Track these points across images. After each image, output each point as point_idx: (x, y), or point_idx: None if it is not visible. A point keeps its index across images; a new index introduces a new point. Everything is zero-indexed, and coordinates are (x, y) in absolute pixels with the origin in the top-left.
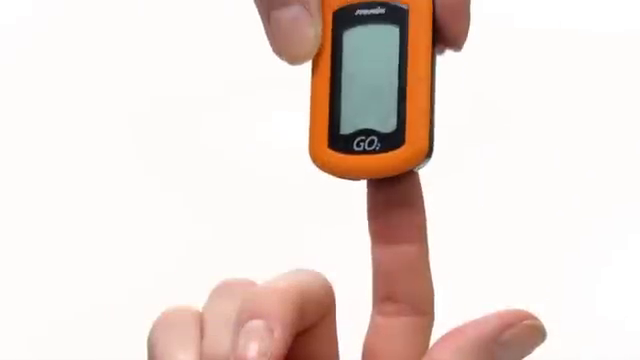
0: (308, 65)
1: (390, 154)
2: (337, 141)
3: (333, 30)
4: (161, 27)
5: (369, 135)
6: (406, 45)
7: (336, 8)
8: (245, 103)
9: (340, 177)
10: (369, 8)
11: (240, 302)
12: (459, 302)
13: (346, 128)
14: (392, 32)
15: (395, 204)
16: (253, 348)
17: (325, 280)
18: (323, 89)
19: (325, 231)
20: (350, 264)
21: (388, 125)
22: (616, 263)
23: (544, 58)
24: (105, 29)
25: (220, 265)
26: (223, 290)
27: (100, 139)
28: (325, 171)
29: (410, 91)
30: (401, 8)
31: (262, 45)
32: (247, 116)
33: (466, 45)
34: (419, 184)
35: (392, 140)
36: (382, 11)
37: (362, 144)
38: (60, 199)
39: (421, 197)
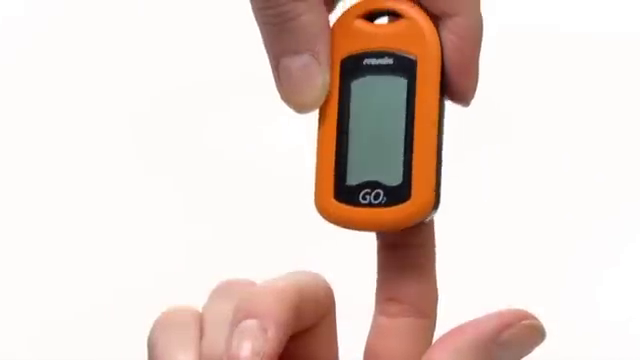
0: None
1: (396, 208)
2: (343, 192)
3: (341, 79)
4: (165, 26)
5: (375, 188)
6: (414, 97)
7: (344, 56)
8: (250, 105)
9: (346, 228)
10: (377, 58)
11: (237, 301)
12: (460, 303)
13: (352, 179)
14: (400, 83)
15: (406, 260)
16: (246, 347)
17: (324, 281)
18: (330, 138)
19: (327, 233)
20: (352, 265)
21: (394, 178)
22: (618, 265)
23: (547, 60)
24: (107, 28)
25: (221, 265)
26: (223, 290)
27: (102, 139)
28: (331, 222)
29: (417, 144)
30: (409, 59)
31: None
32: (252, 118)
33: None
34: (431, 232)
35: (398, 194)
36: (390, 61)
37: (368, 197)
38: (60, 199)
39: (432, 244)
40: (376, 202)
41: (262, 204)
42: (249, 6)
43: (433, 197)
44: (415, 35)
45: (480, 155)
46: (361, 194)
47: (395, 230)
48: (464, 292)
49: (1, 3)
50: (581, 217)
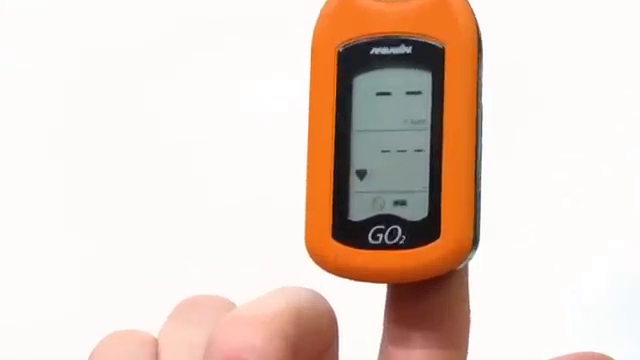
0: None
1: (420, 251)
2: (345, 230)
3: (339, 74)
4: None
5: (390, 224)
6: (441, 99)
7: (342, 44)
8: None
9: (350, 279)
10: (389, 46)
11: (210, 332)
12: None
13: (358, 213)
14: (422, 80)
15: (427, 316)
16: None
17: (325, 303)
18: (325, 156)
19: None
20: None
21: (417, 210)
22: None
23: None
24: None
25: (187, 265)
26: (187, 311)
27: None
28: (328, 270)
29: (447, 162)
30: (435, 47)
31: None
32: (230, 85)
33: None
34: (464, 284)
35: (423, 231)
36: (408, 50)
37: (380, 236)
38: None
39: (465, 292)
40: (392, 243)
41: (236, 189)
42: None
43: (471, 234)
44: (443, 15)
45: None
46: (371, 232)
47: (418, 281)
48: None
49: None
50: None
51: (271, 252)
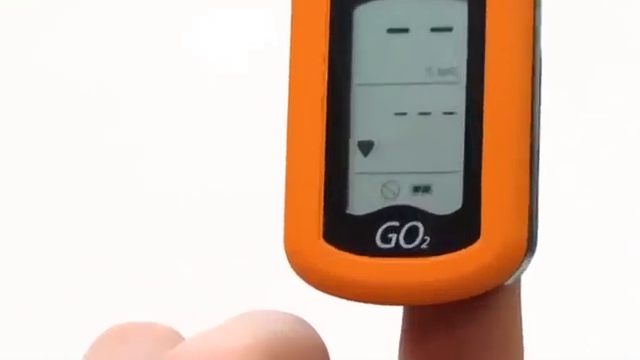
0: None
1: (451, 259)
2: (342, 229)
3: (333, 3)
4: None
5: (407, 219)
6: (482, 38)
7: None
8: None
9: (349, 299)
10: None
11: None
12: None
13: (360, 204)
14: (453, 11)
15: (462, 349)
16: None
17: (310, 331)
18: (312, 122)
19: None
20: None
21: (446, 200)
22: None
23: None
24: None
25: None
26: (112, 344)
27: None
28: (317, 286)
29: (491, 132)
30: None
31: None
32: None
33: None
34: (515, 305)
35: (455, 231)
36: None
37: (393, 237)
38: None
39: (518, 327)
40: (410, 247)
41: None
42: None
43: (525, 233)
44: None
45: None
46: (379, 232)
47: (449, 303)
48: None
49: None
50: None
51: (228, 251)
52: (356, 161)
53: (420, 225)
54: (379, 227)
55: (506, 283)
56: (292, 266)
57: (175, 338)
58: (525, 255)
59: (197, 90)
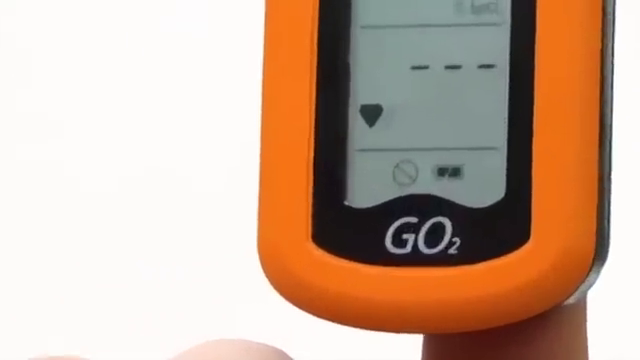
0: None
1: (490, 267)
2: (338, 226)
3: None
4: None
5: (429, 214)
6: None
7: None
8: None
9: (349, 325)
10: None
11: None
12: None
13: (364, 193)
14: None
15: None
16: None
17: None
18: (298, 80)
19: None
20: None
21: (483, 188)
22: None
23: None
24: None
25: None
26: None
27: None
28: (302, 306)
29: (543, 93)
30: None
31: None
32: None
33: None
34: (580, 328)
35: (495, 229)
36: None
37: (410, 238)
38: None
39: (584, 352)
40: (433, 252)
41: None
42: None
43: (593, 235)
44: None
45: None
46: (390, 231)
47: (495, 325)
48: None
49: None
50: None
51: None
52: (358, 133)
53: (447, 222)
54: (390, 225)
55: (566, 302)
56: (269, 278)
57: None
58: (591, 264)
59: (179, 70)
